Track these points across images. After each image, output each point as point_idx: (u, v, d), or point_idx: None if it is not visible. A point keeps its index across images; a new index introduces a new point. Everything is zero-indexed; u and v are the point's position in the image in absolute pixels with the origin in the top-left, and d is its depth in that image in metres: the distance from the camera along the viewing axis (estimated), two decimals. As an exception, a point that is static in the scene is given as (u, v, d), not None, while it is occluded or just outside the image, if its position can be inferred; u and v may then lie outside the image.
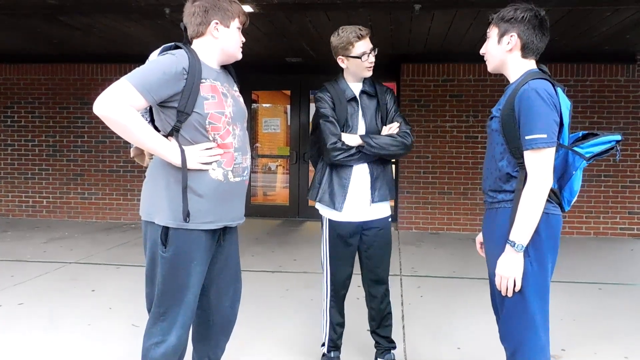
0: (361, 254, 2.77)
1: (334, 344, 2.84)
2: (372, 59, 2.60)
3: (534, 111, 1.77)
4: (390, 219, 2.78)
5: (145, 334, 2.03)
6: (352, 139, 2.61)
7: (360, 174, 2.65)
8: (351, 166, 2.63)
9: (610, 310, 3.92)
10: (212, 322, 2.19)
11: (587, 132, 1.94)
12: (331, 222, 2.69)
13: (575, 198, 1.93)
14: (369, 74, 2.65)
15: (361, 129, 2.67)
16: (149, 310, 2.05)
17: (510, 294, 1.87)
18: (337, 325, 2.80)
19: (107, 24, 5.44)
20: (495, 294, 1.99)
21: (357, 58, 2.57)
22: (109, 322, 3.53)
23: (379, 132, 2.68)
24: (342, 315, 2.83)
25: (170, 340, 1.98)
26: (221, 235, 2.11)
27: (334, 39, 2.62)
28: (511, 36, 1.91)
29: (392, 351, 2.86)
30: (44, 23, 5.48)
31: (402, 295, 4.25)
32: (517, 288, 1.85)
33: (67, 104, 7.76)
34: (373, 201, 2.66)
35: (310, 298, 4.04)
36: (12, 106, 7.86)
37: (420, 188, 7.22)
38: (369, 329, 2.90)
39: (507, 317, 1.94)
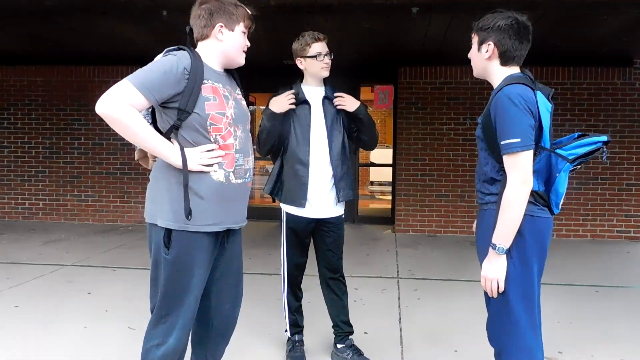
0: (317, 246, 2.98)
1: (297, 326, 3.04)
2: (327, 60, 2.80)
3: (507, 117, 1.81)
4: (343, 216, 2.99)
5: (146, 335, 2.03)
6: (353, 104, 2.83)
7: (321, 174, 2.83)
8: (307, 165, 2.79)
9: (607, 313, 3.92)
10: (212, 325, 2.18)
11: (581, 133, 1.96)
12: (288, 215, 2.88)
13: (562, 200, 1.94)
14: (326, 73, 2.83)
15: (321, 132, 2.84)
16: (152, 312, 2.05)
17: (495, 295, 1.91)
18: (294, 310, 3.01)
19: (104, 26, 5.43)
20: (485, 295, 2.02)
21: (313, 57, 2.78)
22: (105, 324, 3.52)
23: (340, 136, 2.87)
24: (297, 299, 3.04)
25: (170, 342, 1.98)
26: (224, 238, 2.11)
27: (295, 44, 2.84)
28: (488, 44, 1.94)
29: (350, 336, 3.03)
30: (40, 25, 5.47)
31: (399, 298, 4.25)
32: (501, 290, 1.89)
33: (63, 106, 7.75)
34: (338, 201, 2.88)
35: (308, 301, 4.02)
36: (9, 108, 7.84)
37: (418, 190, 7.22)
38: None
39: (492, 318, 1.99)
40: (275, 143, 2.84)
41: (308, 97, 2.85)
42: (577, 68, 6.88)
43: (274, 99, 2.80)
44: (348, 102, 2.82)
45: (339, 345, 3.00)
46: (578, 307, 4.05)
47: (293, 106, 2.78)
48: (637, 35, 5.44)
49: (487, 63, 1.98)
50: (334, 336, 3.05)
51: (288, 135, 2.83)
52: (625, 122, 6.85)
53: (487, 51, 1.95)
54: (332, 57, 2.85)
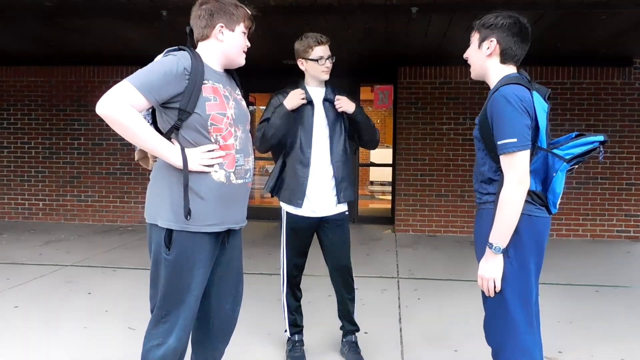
0: (323, 245, 2.98)
1: (296, 326, 3.05)
2: (328, 64, 2.82)
3: (503, 117, 1.83)
4: (347, 213, 2.98)
5: (146, 335, 2.03)
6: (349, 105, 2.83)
7: (322, 175, 2.84)
8: (308, 165, 2.81)
9: (607, 313, 3.92)
10: (212, 326, 2.18)
11: (579, 132, 1.98)
12: (289, 215, 2.88)
13: (560, 200, 1.95)
14: (326, 77, 2.85)
15: (323, 133, 2.85)
16: (152, 312, 2.05)
17: (492, 295, 1.91)
18: (293, 310, 3.03)
19: (104, 26, 5.43)
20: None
21: (315, 61, 2.79)
22: (105, 325, 3.52)
23: (341, 137, 2.88)
24: (297, 299, 3.05)
25: (170, 342, 1.98)
26: (225, 238, 2.12)
27: (297, 44, 2.85)
28: (490, 41, 1.97)
29: (355, 333, 3.07)
30: (40, 25, 5.47)
31: (399, 298, 4.26)
32: (498, 289, 1.89)
33: (63, 106, 7.75)
34: (339, 202, 2.88)
35: (308, 301, 4.03)
36: (9, 108, 7.84)
37: (417, 190, 7.23)
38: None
39: (489, 318, 2.00)
40: (279, 140, 2.84)
41: (312, 97, 2.87)
42: (577, 68, 6.88)
43: (287, 97, 2.78)
44: (345, 105, 2.83)
45: (343, 340, 3.09)
46: (578, 307, 4.06)
47: (305, 101, 2.80)
48: (637, 35, 5.44)
49: (486, 60, 1.99)
50: (341, 332, 3.13)
51: (292, 135, 2.84)
52: (624, 122, 6.85)
53: (488, 48, 1.97)
54: (334, 60, 2.85)
